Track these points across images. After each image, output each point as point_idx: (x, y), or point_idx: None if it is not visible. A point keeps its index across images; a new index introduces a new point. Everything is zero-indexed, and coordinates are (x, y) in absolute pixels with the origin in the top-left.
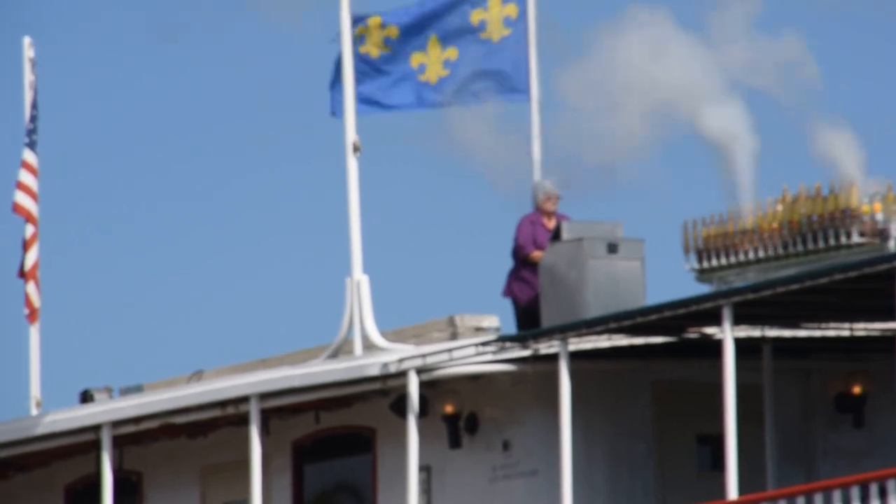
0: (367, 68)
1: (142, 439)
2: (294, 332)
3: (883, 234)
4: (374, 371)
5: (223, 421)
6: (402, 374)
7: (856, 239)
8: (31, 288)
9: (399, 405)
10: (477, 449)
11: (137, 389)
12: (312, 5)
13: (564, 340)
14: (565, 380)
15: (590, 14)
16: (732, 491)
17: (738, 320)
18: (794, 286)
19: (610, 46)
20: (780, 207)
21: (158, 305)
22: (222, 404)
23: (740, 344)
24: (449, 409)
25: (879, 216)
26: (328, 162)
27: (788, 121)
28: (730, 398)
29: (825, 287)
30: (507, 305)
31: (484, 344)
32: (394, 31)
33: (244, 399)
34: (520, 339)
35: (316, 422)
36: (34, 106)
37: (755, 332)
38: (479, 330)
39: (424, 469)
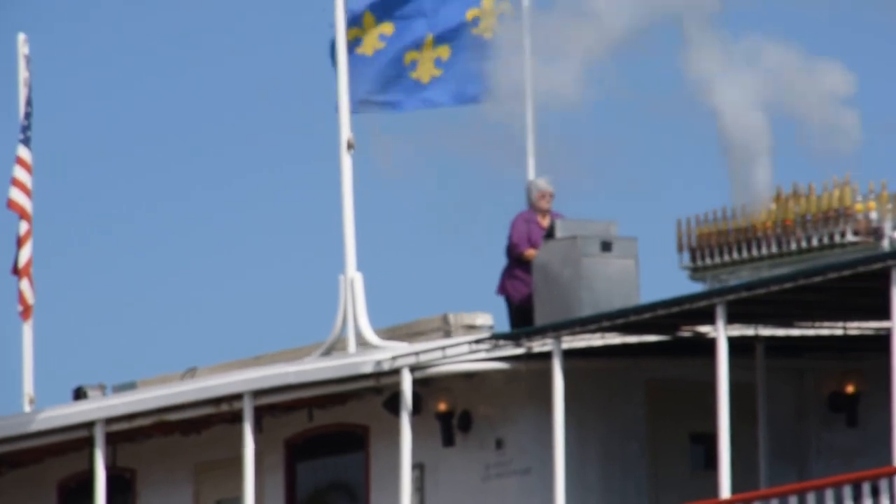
0: (362, 69)
1: (135, 436)
2: (288, 330)
3: (877, 233)
4: (368, 369)
5: (216, 418)
6: (396, 372)
7: (850, 238)
8: (24, 285)
9: (392, 403)
10: (470, 447)
11: (131, 386)
12: (308, 3)
13: (558, 339)
14: (559, 378)
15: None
16: (725, 490)
17: (731, 319)
18: (788, 285)
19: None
20: (773, 206)
21: (152, 303)
22: (216, 401)
23: (734, 342)
24: (442, 406)
25: (873, 215)
26: (322, 159)
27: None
28: (723, 397)
29: (819, 286)
30: (501, 303)
31: (477, 342)
32: (388, 28)
33: (237, 396)
34: (513, 338)
35: (309, 419)
36: (28, 103)
37: (749, 331)
38: (472, 328)
39: (417, 467)
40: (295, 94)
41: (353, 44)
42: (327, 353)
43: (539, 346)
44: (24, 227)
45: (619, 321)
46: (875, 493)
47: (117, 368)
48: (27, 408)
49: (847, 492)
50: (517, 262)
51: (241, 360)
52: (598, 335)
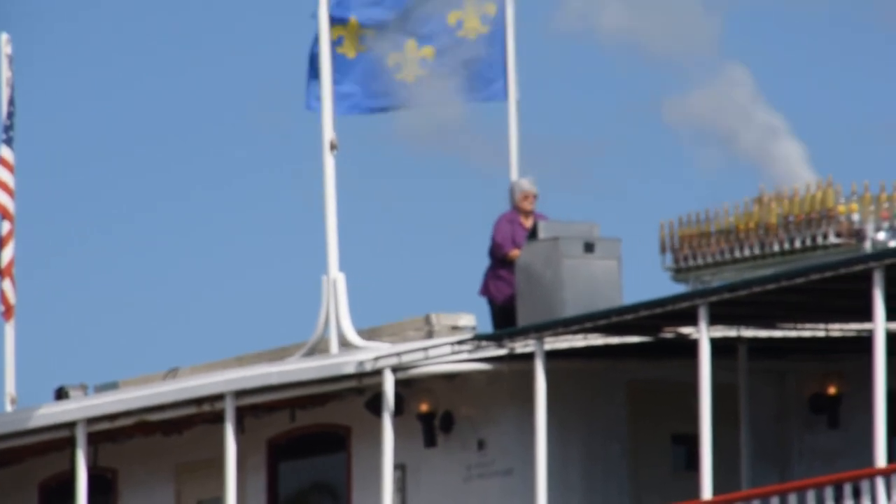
0: (344, 69)
1: (117, 436)
2: (270, 330)
3: (859, 235)
4: (350, 369)
5: (198, 418)
6: (378, 373)
7: (832, 239)
8: (6, 285)
9: (374, 403)
10: (452, 448)
11: (113, 387)
12: (293, 4)
13: (540, 339)
14: (541, 379)
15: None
16: (707, 491)
17: (713, 320)
18: (771, 286)
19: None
20: (756, 208)
21: (134, 303)
22: (198, 402)
23: (716, 344)
24: (424, 407)
25: (856, 217)
26: (305, 160)
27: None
28: (705, 398)
29: (801, 287)
30: (484, 304)
31: (460, 343)
32: (370, 31)
33: (219, 397)
34: (495, 338)
35: (291, 420)
36: (11, 102)
37: (731, 332)
38: (455, 329)
39: (399, 468)
40: (279, 93)
41: (334, 43)
42: (310, 353)
43: (521, 346)
44: (6, 227)
45: (602, 322)
46: (856, 494)
47: (99, 368)
48: (9, 407)
49: (829, 493)
50: (500, 263)
51: (223, 360)
52: (580, 336)
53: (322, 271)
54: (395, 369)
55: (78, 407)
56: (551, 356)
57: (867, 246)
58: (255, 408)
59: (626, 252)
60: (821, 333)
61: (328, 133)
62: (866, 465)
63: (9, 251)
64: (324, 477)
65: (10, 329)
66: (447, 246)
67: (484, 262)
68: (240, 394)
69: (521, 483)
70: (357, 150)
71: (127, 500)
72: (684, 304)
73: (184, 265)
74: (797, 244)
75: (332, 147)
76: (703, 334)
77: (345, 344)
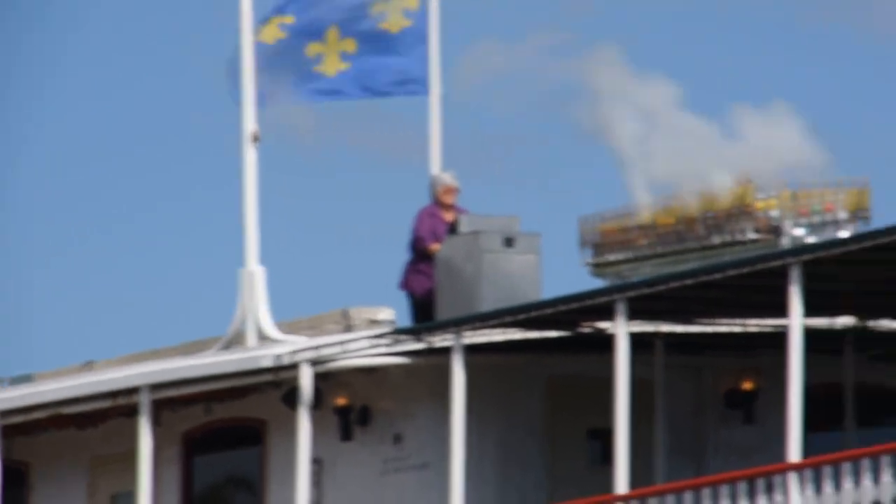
0: (263, 57)
1: (31, 429)
2: (188, 324)
3: (776, 231)
4: (267, 363)
5: (113, 412)
6: (295, 366)
7: (750, 235)
8: None
9: (291, 397)
10: (368, 442)
11: (27, 379)
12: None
13: (459, 334)
14: (459, 373)
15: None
16: (622, 485)
17: (631, 315)
18: (689, 282)
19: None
20: (676, 203)
21: (49, 295)
22: (113, 395)
23: (634, 339)
24: (341, 401)
25: (774, 213)
26: (226, 152)
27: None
28: (622, 393)
29: (718, 283)
30: (403, 298)
31: (378, 336)
32: (290, 18)
33: (135, 390)
34: (414, 332)
35: (207, 413)
36: None
37: (648, 328)
38: (373, 322)
39: (316, 461)
40: (200, 84)
41: (253, 30)
42: (227, 347)
43: (440, 341)
44: None
45: (521, 317)
46: (769, 489)
47: (13, 361)
48: None
49: (742, 488)
50: (421, 257)
51: (138, 353)
52: (499, 330)
53: (241, 264)
54: (312, 363)
55: None
56: (470, 350)
57: (784, 242)
58: (170, 401)
59: (545, 247)
60: (738, 329)
61: (249, 125)
62: (780, 460)
63: None
64: (239, 471)
65: None
66: (367, 239)
67: (404, 256)
68: (155, 387)
69: (437, 477)
70: (277, 143)
71: (40, 494)
72: (602, 299)
73: (100, 257)
74: (716, 240)
75: (255, 139)
76: (621, 329)
77: (262, 337)
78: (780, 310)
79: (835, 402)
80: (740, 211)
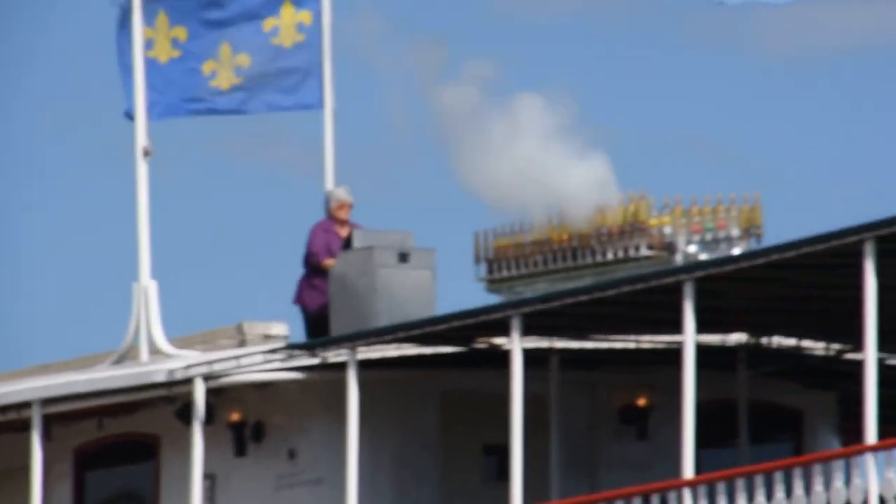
0: (156, 74)
1: None
2: (79, 338)
3: (670, 248)
4: (160, 378)
5: (4, 426)
6: (189, 381)
7: (644, 252)
8: None
9: (184, 412)
10: (262, 457)
11: None
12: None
13: (353, 349)
14: (353, 388)
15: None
16: (517, 500)
17: (526, 331)
18: (583, 298)
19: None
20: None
21: None
22: (3, 409)
23: (528, 354)
24: (235, 416)
25: (667, 229)
26: (119, 165)
27: None
28: (517, 408)
29: (613, 299)
30: (297, 313)
31: (272, 351)
32: (182, 33)
33: (26, 404)
34: (308, 347)
35: (99, 428)
36: None
37: (543, 343)
38: (267, 337)
39: (209, 477)
40: (94, 95)
41: (145, 45)
42: (119, 361)
43: (334, 356)
44: None
45: (415, 332)
46: None
47: None
48: None
49: (637, 503)
50: (315, 272)
51: (29, 367)
52: (393, 346)
53: (134, 278)
54: (206, 378)
55: None
56: (364, 366)
57: (678, 259)
58: (62, 416)
59: (440, 262)
60: (632, 345)
61: (141, 139)
62: (674, 475)
63: None
64: (132, 486)
65: None
66: (261, 254)
67: (298, 270)
68: (47, 402)
69: (332, 492)
70: (171, 157)
71: None
72: (497, 315)
73: None
74: (609, 256)
75: (146, 153)
76: (516, 345)
77: (155, 352)
78: (674, 326)
79: (728, 419)
80: (634, 227)
